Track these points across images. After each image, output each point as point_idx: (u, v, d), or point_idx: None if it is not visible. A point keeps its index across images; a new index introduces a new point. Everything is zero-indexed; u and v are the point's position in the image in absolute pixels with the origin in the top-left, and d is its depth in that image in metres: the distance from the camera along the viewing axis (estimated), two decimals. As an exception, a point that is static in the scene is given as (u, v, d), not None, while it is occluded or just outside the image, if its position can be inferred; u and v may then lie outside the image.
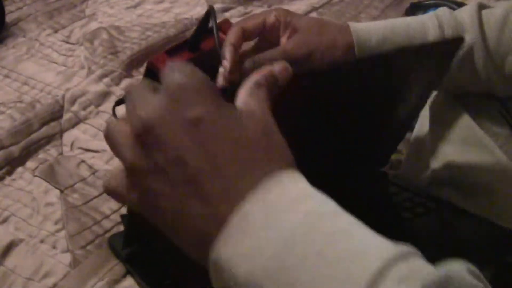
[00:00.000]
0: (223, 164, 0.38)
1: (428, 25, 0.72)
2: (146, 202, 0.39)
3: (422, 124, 0.79)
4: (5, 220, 0.72)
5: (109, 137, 0.40)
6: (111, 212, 0.72)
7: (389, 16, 1.12)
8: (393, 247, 0.35)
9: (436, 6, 1.04)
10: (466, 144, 0.73)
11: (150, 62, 0.72)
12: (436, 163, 0.74)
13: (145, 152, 0.39)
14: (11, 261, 0.67)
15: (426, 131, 0.77)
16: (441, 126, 0.75)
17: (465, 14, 0.72)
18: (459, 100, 0.75)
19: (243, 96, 0.42)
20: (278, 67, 0.43)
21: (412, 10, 1.08)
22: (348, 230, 0.36)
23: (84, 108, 0.89)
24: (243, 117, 0.40)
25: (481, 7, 0.73)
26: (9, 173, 0.79)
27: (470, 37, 0.70)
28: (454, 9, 0.77)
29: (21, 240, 0.69)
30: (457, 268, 0.35)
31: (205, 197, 0.37)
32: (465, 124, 0.73)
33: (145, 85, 0.41)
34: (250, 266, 0.36)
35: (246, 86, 0.42)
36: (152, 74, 0.70)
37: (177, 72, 0.40)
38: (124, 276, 0.64)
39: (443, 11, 0.74)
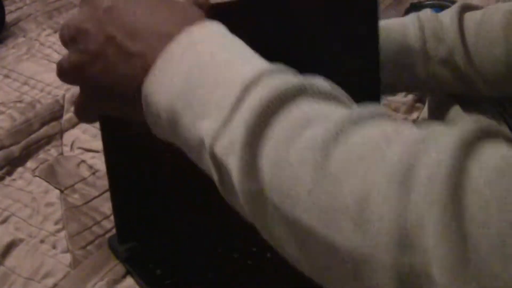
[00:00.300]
0: (143, 26, 0.47)
1: (409, 26, 0.73)
2: (87, 77, 0.50)
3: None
4: (5, 220, 0.72)
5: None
6: (111, 213, 0.72)
7: (389, 16, 1.12)
8: (275, 64, 0.44)
9: (436, 6, 1.04)
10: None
11: None
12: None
13: (79, 45, 0.50)
14: (11, 261, 0.67)
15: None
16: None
17: (446, 16, 0.73)
18: (457, 99, 0.75)
19: None
20: None
21: (412, 10, 1.08)
22: (238, 53, 0.46)
23: (84, 108, 0.89)
24: None
25: (464, 9, 0.73)
26: (9, 173, 0.79)
27: (450, 39, 0.71)
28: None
29: (21, 240, 0.69)
30: (317, 80, 0.43)
31: (133, 53, 0.47)
32: (463, 123, 0.73)
33: None
34: (167, 94, 0.45)
35: None
36: None
37: None
38: (124, 276, 0.64)
39: (425, 12, 0.75)
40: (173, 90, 0.45)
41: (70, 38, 0.51)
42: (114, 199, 0.64)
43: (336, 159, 0.38)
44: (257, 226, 0.43)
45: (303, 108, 0.41)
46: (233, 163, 0.41)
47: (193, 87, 0.44)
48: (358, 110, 0.41)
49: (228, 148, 0.41)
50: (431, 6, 1.05)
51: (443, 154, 0.35)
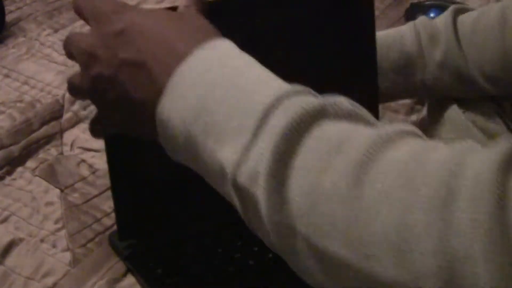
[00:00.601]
0: (155, 48, 0.47)
1: (406, 33, 0.73)
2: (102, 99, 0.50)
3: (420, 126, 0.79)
4: (5, 220, 0.72)
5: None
6: (112, 210, 0.72)
7: (389, 17, 1.12)
8: (291, 86, 0.43)
9: (436, 6, 1.04)
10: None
11: None
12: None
13: (92, 71, 0.49)
14: (11, 260, 0.67)
15: (425, 132, 0.78)
16: (437, 125, 0.76)
17: (441, 20, 0.73)
18: (456, 102, 0.76)
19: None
20: None
21: (412, 10, 1.08)
22: (255, 76, 0.44)
23: (84, 108, 0.90)
24: (165, 13, 0.50)
25: (458, 12, 0.74)
26: (9, 172, 0.79)
27: (445, 41, 0.71)
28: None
29: (21, 240, 0.69)
30: (338, 98, 0.42)
31: (146, 77, 0.46)
32: (462, 123, 0.74)
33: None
34: (183, 119, 0.44)
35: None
36: None
37: (92, 4, 0.51)
38: (124, 274, 0.64)
39: (420, 19, 0.75)
40: (188, 115, 0.44)
41: (81, 62, 0.50)
42: (116, 196, 0.64)
43: (370, 188, 0.36)
44: (282, 256, 0.41)
45: (328, 132, 0.39)
46: (259, 195, 0.39)
47: (209, 112, 0.43)
48: (386, 129, 0.39)
49: (252, 179, 0.40)
50: (431, 6, 1.05)
51: (483, 174, 0.33)
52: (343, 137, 0.39)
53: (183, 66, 0.45)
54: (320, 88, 0.67)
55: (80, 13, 0.54)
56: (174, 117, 0.44)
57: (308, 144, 0.39)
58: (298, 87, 0.43)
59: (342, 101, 0.41)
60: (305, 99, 0.41)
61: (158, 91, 0.45)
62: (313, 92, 0.43)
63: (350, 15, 0.68)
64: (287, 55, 0.64)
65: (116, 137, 0.59)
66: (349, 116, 0.40)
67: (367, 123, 0.41)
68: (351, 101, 0.42)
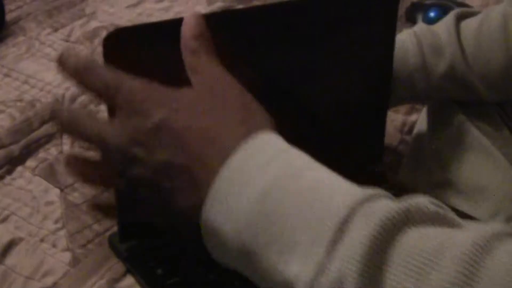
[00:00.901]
0: (195, 146, 0.42)
1: (407, 43, 0.72)
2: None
3: (421, 126, 0.79)
4: (5, 219, 0.72)
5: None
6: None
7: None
8: (361, 191, 0.39)
9: (437, 5, 1.04)
10: (465, 147, 0.73)
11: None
12: (435, 166, 0.74)
13: (127, 172, 0.45)
14: (11, 260, 0.67)
15: (425, 134, 0.78)
16: (440, 129, 0.75)
17: (443, 29, 0.72)
18: (457, 103, 0.75)
19: (190, 71, 0.46)
20: (186, 24, 0.47)
21: (413, 9, 1.08)
22: (318, 181, 0.40)
23: (84, 107, 0.89)
24: (204, 90, 0.45)
25: (460, 18, 0.73)
26: (9, 172, 0.79)
27: (450, 53, 0.71)
28: (454, 9, 0.77)
29: (21, 239, 0.69)
30: (419, 200, 0.38)
31: (189, 178, 0.42)
32: (464, 126, 0.74)
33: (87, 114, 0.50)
34: (234, 224, 0.40)
35: (186, 61, 0.47)
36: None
37: (120, 90, 0.45)
38: (124, 274, 0.64)
39: (420, 27, 0.74)
40: (242, 223, 0.39)
41: (115, 161, 0.46)
42: (117, 197, 0.64)
43: None
44: None
45: (416, 241, 0.35)
46: None
47: (266, 221, 0.39)
48: (481, 232, 0.35)
49: None
50: (432, 5, 1.05)
51: None
52: (435, 248, 0.35)
53: (228, 167, 0.41)
54: (333, 94, 0.67)
55: (105, 97, 0.47)
56: (223, 223, 0.40)
57: (396, 257, 0.35)
58: (371, 190, 0.39)
59: (425, 203, 0.38)
60: (384, 206, 0.37)
61: (202, 195, 0.41)
62: (388, 194, 0.39)
63: (372, 19, 0.67)
64: (297, 61, 0.63)
65: None
66: (434, 220, 0.37)
67: (452, 224, 0.37)
68: (431, 199, 0.39)
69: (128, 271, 0.65)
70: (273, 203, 0.39)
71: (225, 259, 0.43)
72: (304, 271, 0.37)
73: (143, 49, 0.50)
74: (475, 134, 0.72)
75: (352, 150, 0.73)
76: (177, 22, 0.49)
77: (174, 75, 0.46)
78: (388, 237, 0.35)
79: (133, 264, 0.65)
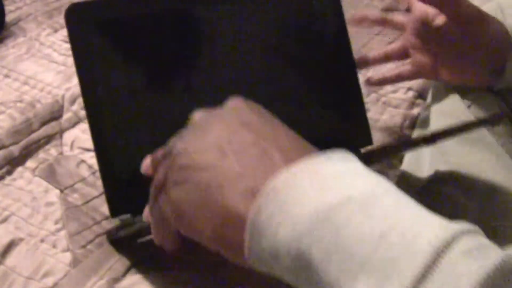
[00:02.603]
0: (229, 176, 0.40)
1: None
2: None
3: (423, 121, 0.79)
4: (5, 220, 0.72)
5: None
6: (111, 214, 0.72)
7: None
8: (455, 223, 0.34)
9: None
10: (467, 142, 0.73)
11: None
12: (437, 161, 0.74)
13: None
14: (11, 260, 0.67)
15: (427, 129, 0.77)
16: (440, 119, 0.75)
17: None
18: (460, 97, 0.75)
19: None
20: None
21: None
22: (399, 211, 0.35)
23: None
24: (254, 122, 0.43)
25: None
26: (9, 172, 0.79)
27: None
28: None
29: (21, 240, 0.69)
30: None
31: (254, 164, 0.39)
32: (466, 118, 0.73)
33: None
34: (293, 231, 0.36)
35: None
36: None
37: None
38: (124, 274, 0.64)
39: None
40: (303, 225, 0.36)
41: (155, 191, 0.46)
42: (103, 172, 0.63)
43: None
44: None
45: None
46: None
47: (334, 232, 0.34)
48: None
49: None
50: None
51: None
52: None
53: (299, 166, 0.38)
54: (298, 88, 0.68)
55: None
56: (280, 225, 0.36)
57: None
58: (464, 224, 0.34)
59: None
60: (485, 243, 0.34)
61: (258, 185, 0.38)
62: (480, 231, 0.35)
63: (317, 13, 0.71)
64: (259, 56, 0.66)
65: (98, 111, 0.61)
66: None
67: None
68: None
69: (127, 271, 0.65)
70: (350, 215, 0.35)
71: (269, 266, 0.38)
72: None
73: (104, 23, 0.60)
74: (479, 130, 0.72)
75: (338, 134, 0.72)
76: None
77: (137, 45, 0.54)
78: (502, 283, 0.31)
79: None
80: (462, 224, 0.34)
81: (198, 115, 0.45)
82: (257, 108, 0.44)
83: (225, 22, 0.65)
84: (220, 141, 0.41)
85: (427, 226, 0.34)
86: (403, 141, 0.77)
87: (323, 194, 0.36)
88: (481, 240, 0.34)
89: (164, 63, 0.64)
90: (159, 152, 0.48)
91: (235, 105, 0.44)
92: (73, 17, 0.62)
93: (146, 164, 0.49)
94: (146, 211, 0.49)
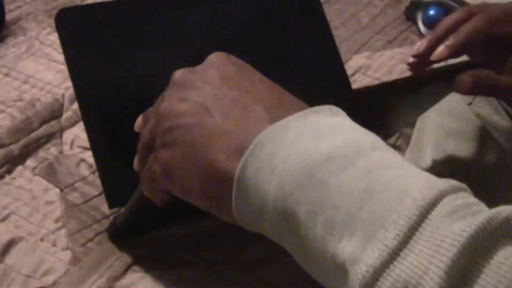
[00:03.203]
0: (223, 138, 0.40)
1: None
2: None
3: (424, 118, 0.79)
4: (5, 218, 0.72)
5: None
6: (111, 213, 0.72)
7: (388, 15, 1.12)
8: (441, 181, 0.34)
9: (436, 4, 1.04)
10: (468, 138, 0.73)
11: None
12: (437, 157, 0.74)
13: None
14: (11, 258, 0.67)
15: (427, 125, 0.77)
16: (440, 116, 0.75)
17: None
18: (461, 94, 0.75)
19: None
20: None
21: (412, 8, 1.08)
22: (388, 164, 0.35)
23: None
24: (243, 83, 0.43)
25: None
26: (9, 171, 0.79)
27: None
28: (456, 8, 0.77)
29: (21, 238, 0.69)
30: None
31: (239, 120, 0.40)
32: (467, 118, 0.73)
33: None
34: (279, 182, 0.35)
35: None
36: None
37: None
38: (124, 273, 0.65)
39: None
40: (289, 181, 0.35)
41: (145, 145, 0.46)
42: (99, 164, 0.63)
43: None
44: None
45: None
46: None
47: (321, 188, 0.34)
48: None
49: None
50: (431, 4, 1.05)
51: None
52: None
53: (287, 120, 0.37)
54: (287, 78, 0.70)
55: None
56: (266, 182, 0.36)
57: (492, 267, 0.30)
58: (452, 181, 0.34)
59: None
60: (472, 201, 0.33)
61: (244, 143, 0.38)
62: (467, 188, 0.35)
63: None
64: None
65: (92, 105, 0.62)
66: None
67: None
68: None
69: (127, 269, 0.65)
70: (336, 170, 0.34)
71: (256, 223, 0.38)
72: (366, 254, 0.32)
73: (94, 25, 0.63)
74: (479, 126, 0.72)
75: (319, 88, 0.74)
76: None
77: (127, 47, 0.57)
78: (486, 243, 0.31)
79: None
80: (449, 182, 0.34)
81: (178, 74, 0.44)
82: (238, 62, 0.44)
83: (207, 21, 0.70)
84: (202, 100, 0.41)
85: (414, 184, 0.33)
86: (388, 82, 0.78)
87: (308, 150, 0.35)
88: (468, 198, 0.34)
89: (150, 60, 0.68)
90: (148, 111, 0.48)
91: (215, 60, 0.44)
92: (63, 21, 0.66)
93: (138, 122, 0.49)
94: (136, 161, 0.49)
